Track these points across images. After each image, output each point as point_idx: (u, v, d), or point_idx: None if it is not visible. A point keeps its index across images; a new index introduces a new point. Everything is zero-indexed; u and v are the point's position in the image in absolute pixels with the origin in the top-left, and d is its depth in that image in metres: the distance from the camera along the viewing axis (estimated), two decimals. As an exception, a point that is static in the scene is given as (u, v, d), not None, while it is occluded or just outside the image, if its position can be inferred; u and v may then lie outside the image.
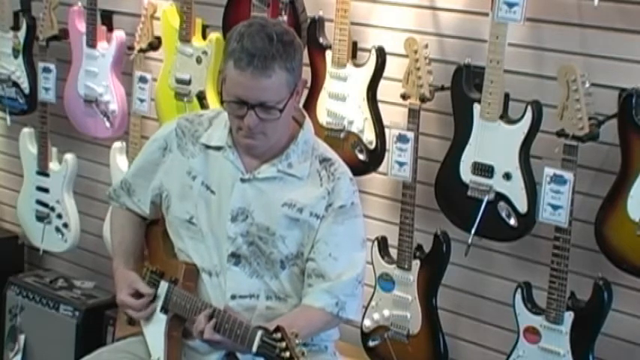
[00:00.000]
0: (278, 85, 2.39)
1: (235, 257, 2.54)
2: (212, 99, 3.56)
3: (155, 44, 3.74)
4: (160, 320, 2.59)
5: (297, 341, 2.21)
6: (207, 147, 2.59)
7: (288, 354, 2.20)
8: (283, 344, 2.21)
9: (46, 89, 4.02)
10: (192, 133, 2.62)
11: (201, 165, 2.58)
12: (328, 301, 2.51)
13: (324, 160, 2.57)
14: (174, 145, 2.63)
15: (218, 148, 2.57)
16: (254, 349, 2.29)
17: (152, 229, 2.77)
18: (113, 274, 2.68)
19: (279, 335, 2.23)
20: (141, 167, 2.72)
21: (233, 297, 2.54)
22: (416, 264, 3.11)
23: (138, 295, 2.60)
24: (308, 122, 2.60)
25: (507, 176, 2.88)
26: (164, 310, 2.59)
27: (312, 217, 2.52)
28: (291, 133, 2.55)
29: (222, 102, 2.45)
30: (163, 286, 2.61)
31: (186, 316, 2.53)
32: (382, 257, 3.19)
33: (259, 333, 2.29)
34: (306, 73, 3.34)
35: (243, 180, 2.53)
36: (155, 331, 2.60)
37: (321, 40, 3.28)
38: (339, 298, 2.52)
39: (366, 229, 2.64)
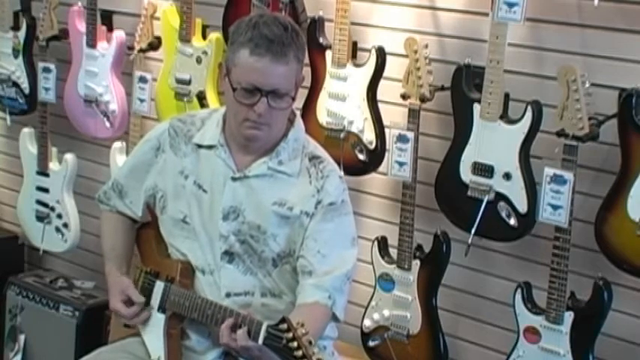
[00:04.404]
0: (291, 74, 2.43)
1: (229, 255, 2.55)
2: (212, 99, 3.57)
3: (155, 44, 3.74)
4: (158, 320, 2.59)
5: (303, 330, 2.19)
6: (199, 147, 2.60)
7: (295, 344, 2.18)
8: (290, 334, 2.19)
9: (46, 89, 4.02)
10: (184, 132, 2.63)
11: (193, 164, 2.60)
12: (321, 295, 2.49)
13: (314, 158, 2.59)
14: (167, 145, 2.64)
15: (210, 147, 2.58)
16: (260, 341, 2.28)
17: (144, 232, 2.77)
18: (106, 279, 2.68)
19: (285, 326, 2.22)
20: (133, 168, 2.72)
21: (228, 295, 2.54)
22: (416, 264, 3.11)
23: (130, 302, 2.60)
24: (299, 120, 2.62)
25: (507, 176, 2.88)
26: (161, 309, 2.59)
27: (303, 215, 2.53)
28: (283, 131, 2.56)
29: (234, 89, 2.44)
30: (159, 285, 2.61)
31: (185, 314, 2.53)
32: (382, 257, 3.19)
33: (264, 325, 2.28)
34: (306, 73, 3.34)
35: (234, 178, 2.54)
36: (153, 331, 2.60)
37: (321, 40, 3.28)
38: (330, 291, 2.50)
39: (356, 228, 2.63)
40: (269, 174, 2.54)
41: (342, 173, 2.63)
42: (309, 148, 2.61)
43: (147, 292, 2.64)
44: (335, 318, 2.53)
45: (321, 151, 2.64)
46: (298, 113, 2.66)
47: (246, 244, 2.55)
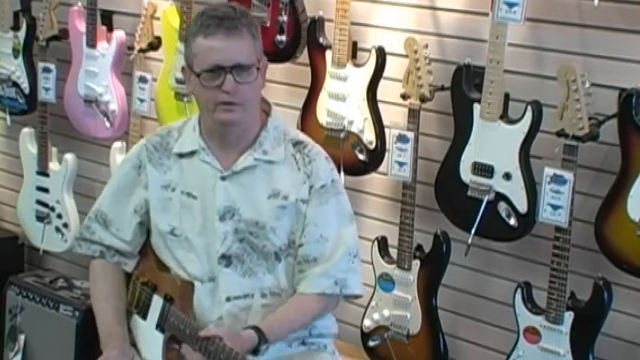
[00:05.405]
0: (249, 46, 2.45)
1: (226, 259, 2.53)
2: (212, 99, 3.56)
3: (155, 44, 3.74)
4: (157, 338, 2.54)
5: None
6: (181, 156, 2.59)
7: None
8: None
9: (46, 89, 4.02)
10: (164, 146, 2.62)
11: (178, 175, 2.58)
12: (326, 284, 2.53)
13: (297, 144, 2.60)
14: (146, 160, 2.62)
15: (192, 153, 2.57)
16: None
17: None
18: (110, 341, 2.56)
19: None
20: (116, 193, 2.66)
21: (228, 299, 2.53)
22: (416, 264, 3.11)
23: None
24: (275, 110, 2.63)
25: (507, 176, 2.88)
26: (160, 328, 2.54)
27: (299, 203, 2.54)
28: (261, 122, 2.58)
29: (198, 75, 2.45)
30: (157, 301, 2.56)
31: (185, 341, 2.46)
32: (382, 257, 3.19)
33: None
34: (306, 73, 3.35)
35: (223, 178, 2.54)
36: (151, 348, 2.56)
37: (321, 40, 3.28)
38: (337, 276, 2.54)
39: (350, 204, 2.66)
40: (256, 165, 2.54)
41: (326, 154, 2.65)
42: (290, 134, 2.62)
43: (144, 305, 2.60)
44: (354, 296, 2.63)
45: (302, 136, 2.66)
46: (272, 103, 2.67)
47: (245, 242, 2.54)
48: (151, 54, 3.79)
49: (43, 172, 4.09)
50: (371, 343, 3.24)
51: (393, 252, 3.18)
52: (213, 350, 2.37)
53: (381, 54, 3.15)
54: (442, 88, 3.06)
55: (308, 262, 2.55)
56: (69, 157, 4.04)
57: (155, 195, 2.59)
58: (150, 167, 2.61)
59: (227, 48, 2.42)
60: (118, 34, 3.85)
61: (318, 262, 2.54)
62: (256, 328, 2.45)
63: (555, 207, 2.76)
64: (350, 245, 2.58)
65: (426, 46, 3.01)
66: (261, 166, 2.54)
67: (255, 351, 2.42)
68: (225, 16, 2.43)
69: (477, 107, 2.91)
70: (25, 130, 4.19)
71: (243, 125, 2.52)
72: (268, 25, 3.34)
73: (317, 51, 3.28)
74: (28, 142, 4.17)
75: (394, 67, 3.16)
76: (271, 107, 2.63)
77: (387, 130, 3.17)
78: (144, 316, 2.60)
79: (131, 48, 3.80)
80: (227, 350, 2.35)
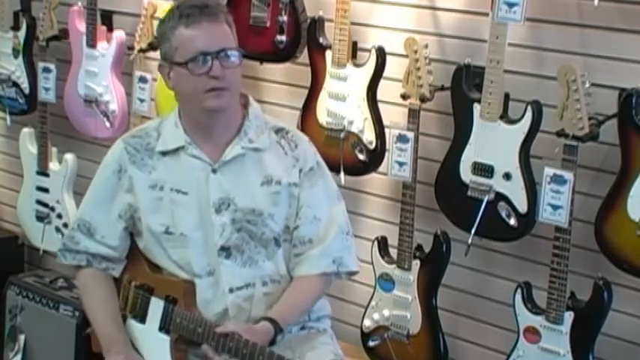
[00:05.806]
0: (229, 32, 2.51)
1: (225, 250, 2.54)
2: (212, 99, 3.56)
3: (155, 44, 3.73)
4: (161, 340, 2.53)
5: None
6: (165, 154, 2.59)
7: None
8: None
9: (46, 89, 4.02)
10: (145, 147, 2.61)
11: (164, 173, 2.58)
12: (325, 263, 2.59)
13: (279, 130, 2.66)
14: (128, 163, 2.61)
15: (177, 150, 2.58)
16: None
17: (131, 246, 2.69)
18: (107, 353, 2.57)
19: None
20: (97, 200, 2.66)
21: (231, 290, 2.54)
22: (416, 264, 3.11)
23: None
24: (252, 101, 2.67)
25: (507, 176, 2.88)
26: (164, 330, 2.53)
27: (292, 187, 2.59)
28: (242, 113, 2.61)
29: (184, 64, 2.46)
30: (157, 303, 2.55)
31: (200, 340, 2.45)
32: (382, 257, 3.19)
33: None
34: (306, 73, 3.35)
35: (214, 170, 2.55)
36: (155, 351, 2.55)
37: (321, 40, 3.28)
38: (334, 255, 2.60)
39: (335, 183, 2.72)
40: (245, 153, 2.56)
41: (307, 137, 2.72)
42: (270, 122, 2.67)
43: (141, 309, 2.59)
44: (351, 274, 2.68)
45: (282, 123, 2.71)
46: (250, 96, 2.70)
47: (243, 232, 2.55)
48: (151, 54, 3.78)
49: (43, 172, 4.09)
50: (371, 343, 3.24)
51: (393, 252, 3.17)
52: (234, 346, 2.38)
53: (381, 54, 3.15)
54: (442, 88, 3.06)
55: (304, 243, 2.59)
56: (69, 157, 4.04)
57: (144, 196, 2.58)
58: (133, 169, 2.60)
59: (210, 34, 2.47)
60: (118, 34, 3.85)
61: (313, 244, 2.59)
62: (270, 319, 2.47)
63: (555, 207, 2.76)
64: (341, 223, 2.64)
65: (426, 46, 3.01)
66: (250, 155, 2.57)
67: (271, 342, 2.44)
68: (204, 5, 2.48)
69: (476, 107, 2.91)
70: (25, 130, 4.19)
71: (228, 112, 2.55)
72: (268, 25, 3.34)
73: (317, 51, 3.28)
74: (28, 142, 4.17)
75: (394, 67, 3.16)
76: (249, 98, 2.67)
77: (387, 130, 3.17)
78: (142, 320, 2.59)
79: (131, 48, 3.80)
80: (250, 344, 2.36)
